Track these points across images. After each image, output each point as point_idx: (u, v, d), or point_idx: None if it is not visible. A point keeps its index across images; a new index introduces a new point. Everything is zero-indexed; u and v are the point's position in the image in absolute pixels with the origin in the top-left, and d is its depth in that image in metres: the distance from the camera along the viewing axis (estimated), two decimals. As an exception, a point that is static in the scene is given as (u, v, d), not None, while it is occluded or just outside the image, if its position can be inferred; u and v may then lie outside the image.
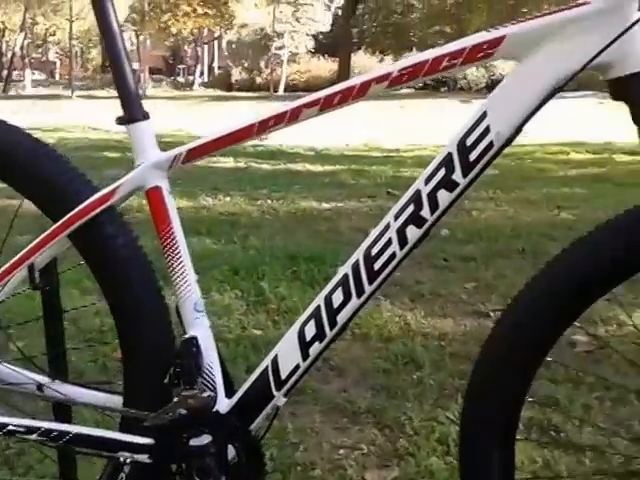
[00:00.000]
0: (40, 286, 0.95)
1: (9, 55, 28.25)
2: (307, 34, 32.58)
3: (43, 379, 0.99)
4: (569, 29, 0.74)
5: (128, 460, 0.94)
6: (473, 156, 0.78)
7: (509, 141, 0.77)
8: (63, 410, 1.01)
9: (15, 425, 0.92)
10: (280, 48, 30.97)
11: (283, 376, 0.89)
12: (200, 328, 0.93)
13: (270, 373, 0.90)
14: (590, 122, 5.95)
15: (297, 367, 0.88)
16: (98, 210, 0.89)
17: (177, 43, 35.10)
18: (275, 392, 0.90)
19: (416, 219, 0.81)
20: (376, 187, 4.71)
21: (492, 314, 2.16)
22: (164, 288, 0.95)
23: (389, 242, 0.82)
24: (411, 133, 8.27)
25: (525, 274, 2.56)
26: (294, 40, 31.75)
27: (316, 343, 0.87)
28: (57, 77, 37.65)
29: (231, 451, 0.91)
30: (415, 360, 1.83)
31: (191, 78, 34.34)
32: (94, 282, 0.93)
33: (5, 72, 27.47)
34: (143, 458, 0.92)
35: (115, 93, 0.88)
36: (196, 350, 0.90)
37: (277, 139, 7.07)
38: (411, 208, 0.81)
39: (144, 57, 29.05)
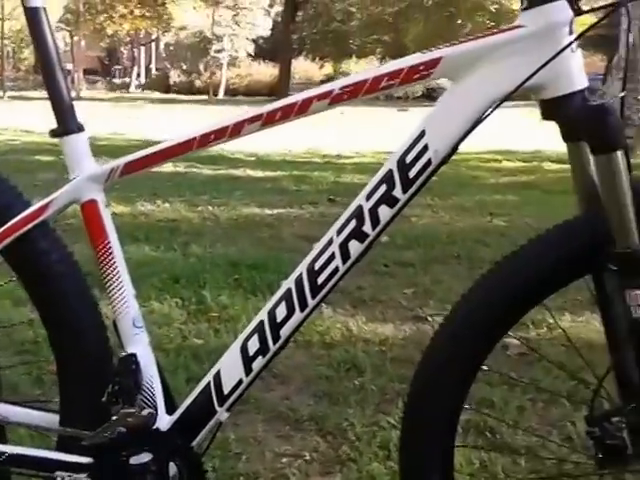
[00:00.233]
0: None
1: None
2: (247, 38, 32.44)
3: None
4: (502, 51, 0.76)
5: (66, 480, 0.91)
6: (412, 173, 0.80)
7: (447, 158, 0.80)
8: (-4, 430, 0.97)
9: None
10: (219, 51, 30.71)
11: (226, 391, 0.89)
12: (139, 344, 0.91)
13: (212, 388, 0.90)
14: (520, 131, 6.18)
15: (240, 382, 0.88)
16: (31, 225, 0.87)
17: (113, 44, 34.29)
18: (218, 407, 0.89)
19: (358, 234, 0.82)
20: (318, 193, 4.74)
21: (430, 319, 2.21)
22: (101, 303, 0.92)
23: (332, 256, 0.83)
24: (351, 140, 8.36)
25: (461, 279, 2.62)
26: (234, 44, 31.55)
27: (259, 357, 0.87)
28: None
29: (172, 468, 0.90)
30: (357, 366, 1.85)
31: (127, 80, 33.58)
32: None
33: None
34: (81, 477, 0.90)
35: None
36: (135, 367, 0.89)
37: (217, 144, 6.99)
38: (353, 223, 0.82)
39: (78, 58, 28.25)
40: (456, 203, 4.27)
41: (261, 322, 0.87)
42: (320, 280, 0.84)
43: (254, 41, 32.88)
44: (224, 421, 0.91)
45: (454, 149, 0.80)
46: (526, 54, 0.75)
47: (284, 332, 0.86)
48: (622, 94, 0.77)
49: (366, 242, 0.83)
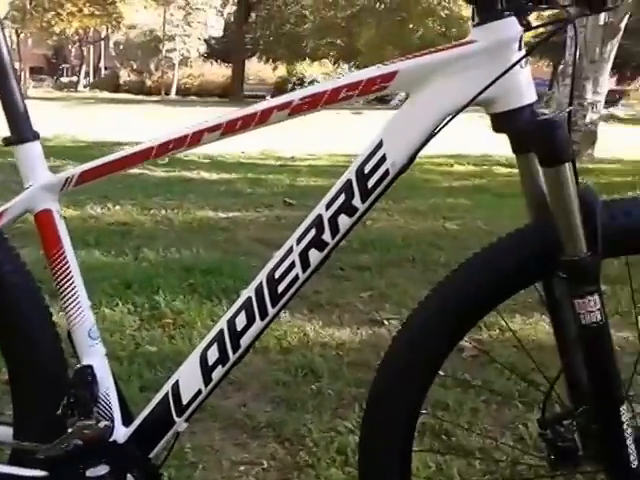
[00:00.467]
0: None
1: None
2: (199, 38, 32.15)
3: None
4: (456, 66, 0.79)
5: (20, 495, 0.89)
6: (371, 183, 0.81)
7: (404, 169, 0.82)
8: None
9: None
10: (171, 51, 30.33)
11: (185, 401, 0.88)
12: (95, 356, 0.90)
13: (171, 399, 0.89)
14: (471, 135, 6.32)
15: (199, 392, 0.88)
16: (-17, 235, 0.84)
17: (61, 42, 33.43)
18: (176, 418, 0.89)
19: (318, 243, 0.83)
20: (273, 196, 4.72)
21: (386, 322, 2.23)
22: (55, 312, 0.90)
23: (292, 265, 0.84)
24: (306, 142, 8.37)
25: (415, 282, 2.65)
26: (185, 44, 31.22)
27: (219, 367, 0.87)
28: None
29: (130, 480, 0.89)
30: (314, 371, 1.86)
31: (75, 79, 32.79)
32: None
33: None
34: (36, 493, 0.88)
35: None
36: (91, 379, 0.88)
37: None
38: (313, 232, 0.83)
39: (25, 56, 27.44)
40: (410, 207, 4.33)
41: (221, 331, 0.87)
42: (280, 288, 0.85)
43: (206, 41, 32.62)
44: (182, 432, 0.90)
45: (411, 160, 0.81)
46: (478, 69, 0.78)
47: (244, 341, 0.86)
48: (569, 109, 0.80)
49: (326, 251, 0.84)
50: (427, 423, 1.55)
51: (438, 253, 3.11)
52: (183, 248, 3.10)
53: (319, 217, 0.83)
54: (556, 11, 0.80)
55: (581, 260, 0.76)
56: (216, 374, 0.87)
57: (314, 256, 0.83)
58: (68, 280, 0.87)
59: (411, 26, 25.34)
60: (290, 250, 0.84)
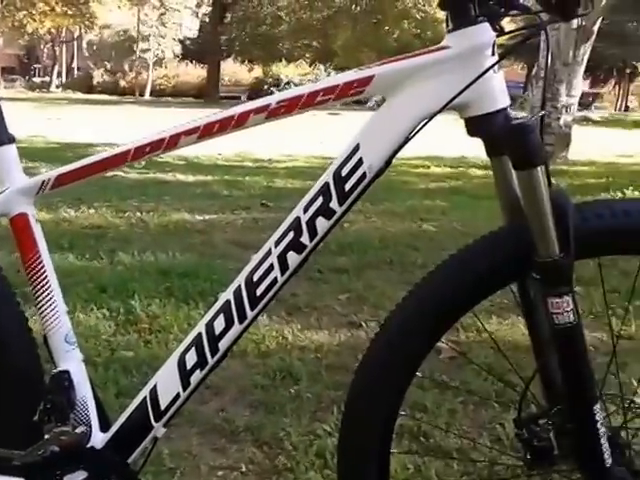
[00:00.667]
0: None
1: None
2: (174, 39, 31.91)
3: None
4: (430, 71, 0.80)
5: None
6: (348, 186, 0.82)
7: (381, 172, 0.82)
8: None
9: None
10: (145, 51, 30.06)
11: (163, 406, 0.88)
12: (72, 361, 0.89)
13: (149, 404, 0.88)
14: (447, 137, 6.38)
15: (177, 396, 0.87)
16: (-44, 240, 0.83)
17: (33, 42, 32.93)
18: (154, 423, 0.88)
19: (296, 245, 0.83)
20: (250, 198, 4.71)
21: (364, 324, 2.24)
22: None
23: (271, 268, 0.84)
24: (282, 144, 8.36)
25: (393, 284, 2.66)
26: (160, 44, 30.97)
27: (197, 371, 0.87)
28: None
29: (109, 487, 0.88)
30: (292, 374, 1.86)
31: (48, 79, 32.31)
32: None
33: None
34: (12, 501, 0.87)
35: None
36: (68, 385, 0.87)
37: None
38: (291, 235, 0.83)
39: (-5, 55, 26.95)
40: (388, 208, 4.35)
41: (199, 335, 0.86)
42: (259, 291, 0.85)
43: (181, 42, 32.39)
44: (160, 437, 0.90)
45: (387, 163, 0.82)
46: (452, 74, 0.79)
47: (223, 344, 0.86)
48: (541, 113, 0.81)
49: (304, 253, 0.84)
50: (405, 425, 1.55)
51: (415, 255, 3.13)
52: (159, 251, 3.07)
53: (297, 220, 0.83)
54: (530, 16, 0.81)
55: (554, 261, 0.78)
56: (194, 378, 0.87)
57: (292, 259, 0.84)
58: (44, 284, 0.87)
59: (387, 28, 25.51)
60: (268, 253, 0.84)
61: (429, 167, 6.87)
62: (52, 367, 0.89)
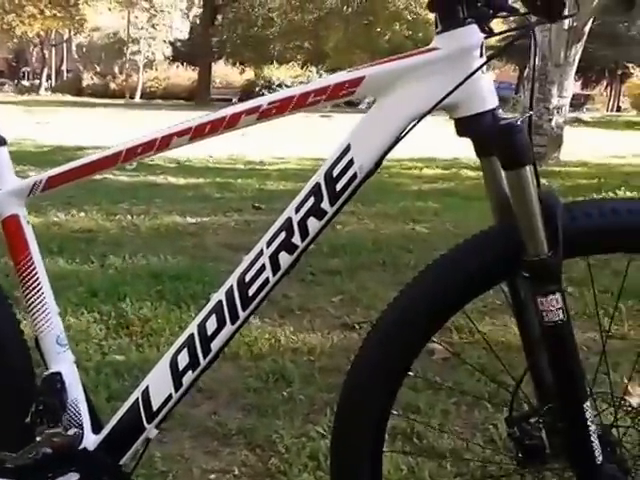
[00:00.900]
0: None
1: None
2: (164, 41, 31.85)
3: None
4: (420, 72, 0.80)
5: (-13, 506, 0.87)
6: (339, 186, 0.82)
7: (372, 172, 0.83)
8: None
9: None
10: (136, 54, 29.98)
11: (155, 407, 0.88)
12: (64, 363, 0.89)
13: (141, 405, 0.88)
14: (439, 139, 6.40)
15: (169, 397, 0.87)
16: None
17: (22, 45, 32.77)
18: (146, 424, 0.88)
19: (288, 246, 0.83)
20: (242, 201, 4.70)
21: (357, 326, 2.24)
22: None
23: (263, 268, 0.84)
24: (275, 146, 8.36)
25: (386, 285, 2.65)
26: (150, 46, 30.89)
27: (189, 372, 0.86)
28: None
29: (101, 489, 0.88)
30: (285, 376, 1.85)
31: (37, 82, 32.16)
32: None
33: None
34: (3, 504, 0.86)
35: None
36: (60, 386, 0.87)
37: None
38: (283, 235, 0.83)
39: (-16, 59, 26.80)
40: (380, 210, 4.35)
41: (191, 335, 0.86)
42: (251, 292, 0.85)
43: (172, 44, 32.33)
44: (152, 438, 0.90)
45: (378, 164, 0.83)
46: (441, 75, 0.79)
47: (215, 345, 0.86)
48: (529, 114, 0.82)
49: (295, 253, 0.84)
50: (399, 426, 1.55)
51: (408, 256, 3.13)
52: (150, 254, 3.06)
53: (289, 220, 0.83)
54: (518, 17, 0.82)
55: (543, 260, 0.78)
56: (186, 379, 0.86)
57: (284, 259, 0.84)
58: (36, 286, 0.86)
59: (378, 29, 25.59)
60: (260, 253, 0.84)
61: (421, 169, 6.88)
62: (43, 369, 0.89)
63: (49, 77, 33.32)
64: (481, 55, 0.79)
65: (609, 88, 32.52)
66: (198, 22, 30.54)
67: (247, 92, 23.12)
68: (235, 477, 1.43)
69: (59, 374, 0.87)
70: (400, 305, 0.88)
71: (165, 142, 0.84)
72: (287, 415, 1.65)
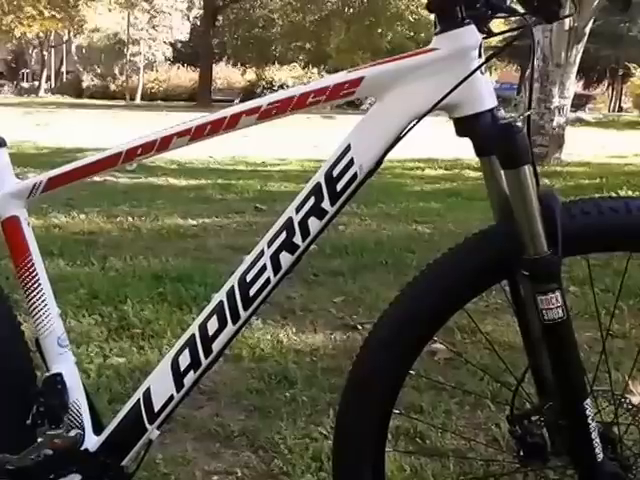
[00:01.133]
0: None
1: None
2: (165, 42, 31.84)
3: None
4: (419, 72, 0.80)
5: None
6: (340, 186, 0.82)
7: (372, 172, 0.83)
8: None
9: None
10: (136, 55, 29.98)
11: (156, 408, 0.88)
12: (65, 364, 0.89)
13: (142, 406, 0.88)
14: (441, 139, 6.39)
15: (171, 398, 0.87)
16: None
17: (21, 46, 32.80)
18: (148, 425, 0.88)
19: (289, 246, 0.84)
20: (244, 202, 4.70)
21: (360, 327, 2.24)
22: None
23: (264, 268, 0.84)
24: (276, 147, 8.36)
25: (389, 286, 2.65)
26: (151, 48, 30.89)
27: (191, 372, 0.86)
28: None
29: (102, 490, 0.88)
30: (288, 377, 1.85)
31: (36, 83, 32.18)
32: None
33: None
34: (5, 505, 0.86)
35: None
36: (61, 387, 0.87)
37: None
38: (284, 235, 0.84)
39: (-17, 61, 26.83)
40: (383, 211, 4.35)
41: (192, 336, 0.86)
42: (252, 292, 0.85)
43: (172, 45, 32.32)
44: (154, 439, 0.90)
45: (378, 163, 0.83)
46: (440, 75, 0.80)
47: (216, 345, 0.86)
48: (528, 113, 0.82)
49: (297, 253, 0.84)
50: (402, 426, 1.55)
51: (411, 257, 3.13)
52: (151, 256, 3.06)
53: (289, 220, 0.84)
54: (518, 18, 0.82)
55: (542, 259, 0.79)
56: (188, 379, 0.86)
57: (285, 259, 0.84)
58: (36, 287, 0.87)
59: (380, 30, 25.58)
60: (261, 253, 0.84)
61: (424, 169, 6.88)
62: (44, 370, 0.89)
63: (49, 79, 33.36)
64: (480, 55, 0.80)
65: (611, 88, 32.47)
66: (199, 23, 30.55)
67: (248, 93, 23.10)
68: (238, 479, 1.43)
69: (60, 375, 0.87)
70: (401, 304, 0.88)
71: (165, 143, 0.84)
72: (290, 416, 1.65)
